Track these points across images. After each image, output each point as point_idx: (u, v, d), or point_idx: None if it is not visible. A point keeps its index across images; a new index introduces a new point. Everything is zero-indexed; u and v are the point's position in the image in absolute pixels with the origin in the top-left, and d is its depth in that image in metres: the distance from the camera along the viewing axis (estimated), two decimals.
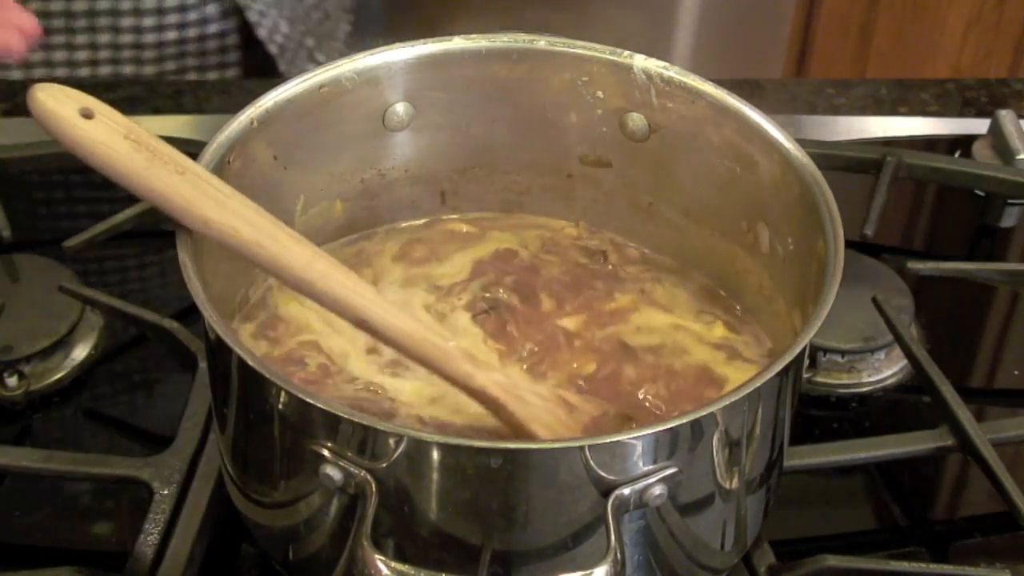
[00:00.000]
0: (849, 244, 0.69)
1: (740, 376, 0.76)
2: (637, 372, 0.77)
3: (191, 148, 0.70)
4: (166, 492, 0.75)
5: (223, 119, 0.74)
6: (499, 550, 0.62)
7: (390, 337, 0.69)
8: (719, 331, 0.80)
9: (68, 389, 0.86)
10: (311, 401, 0.60)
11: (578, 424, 0.72)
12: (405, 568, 0.59)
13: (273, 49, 1.23)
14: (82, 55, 1.21)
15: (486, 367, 0.71)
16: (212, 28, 1.23)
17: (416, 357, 0.70)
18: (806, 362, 0.76)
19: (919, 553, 0.80)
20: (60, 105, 0.64)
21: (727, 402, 0.62)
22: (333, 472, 0.61)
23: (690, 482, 0.64)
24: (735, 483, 0.67)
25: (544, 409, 0.71)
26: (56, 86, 0.65)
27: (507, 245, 0.85)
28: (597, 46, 0.80)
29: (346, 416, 0.60)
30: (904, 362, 0.89)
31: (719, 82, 0.78)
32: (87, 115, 0.64)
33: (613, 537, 0.60)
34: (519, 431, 0.70)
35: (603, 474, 0.60)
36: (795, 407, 0.70)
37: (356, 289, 0.68)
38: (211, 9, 1.22)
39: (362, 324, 0.68)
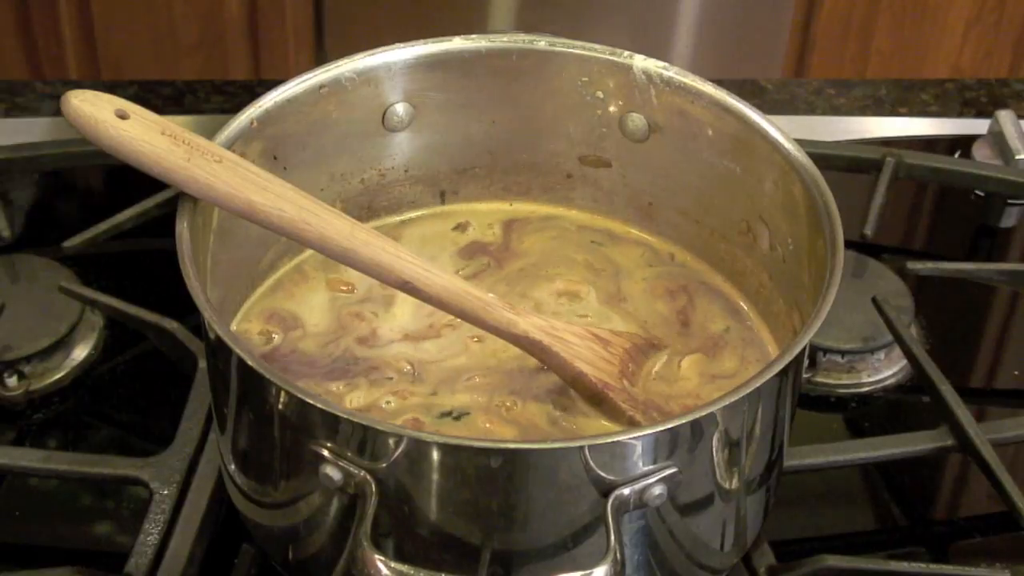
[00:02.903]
0: (849, 244, 0.69)
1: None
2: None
3: None
4: (166, 492, 0.75)
5: (223, 119, 0.74)
6: (499, 550, 0.62)
7: (432, 295, 0.71)
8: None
9: (68, 389, 0.86)
10: (311, 401, 0.60)
11: (615, 357, 0.74)
12: (405, 568, 0.59)
13: None
14: None
15: (524, 312, 0.72)
16: None
17: (458, 311, 0.71)
18: (806, 362, 0.75)
19: (919, 553, 0.80)
20: (97, 109, 0.65)
21: (727, 402, 0.62)
22: (333, 472, 0.61)
23: (690, 482, 0.64)
24: (735, 483, 0.67)
25: (583, 347, 0.73)
26: (89, 91, 0.66)
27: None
28: (597, 46, 0.80)
29: (345, 416, 0.60)
30: (904, 362, 0.89)
31: (719, 82, 0.78)
32: (122, 116, 0.66)
33: (613, 537, 0.60)
34: (564, 370, 0.72)
35: (603, 474, 0.60)
36: (795, 407, 0.70)
37: (397, 253, 0.70)
38: None
39: (405, 286, 0.70)
